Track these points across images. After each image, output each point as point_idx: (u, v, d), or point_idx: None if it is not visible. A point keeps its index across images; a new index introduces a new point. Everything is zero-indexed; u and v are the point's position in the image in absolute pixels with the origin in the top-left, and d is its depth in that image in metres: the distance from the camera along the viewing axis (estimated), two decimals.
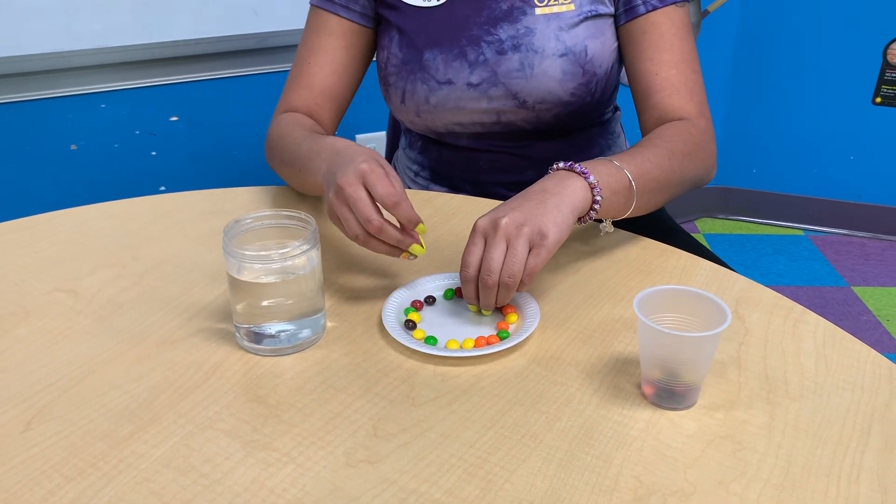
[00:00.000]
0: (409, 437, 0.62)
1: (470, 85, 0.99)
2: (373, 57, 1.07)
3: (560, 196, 0.75)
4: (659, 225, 1.12)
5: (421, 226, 0.76)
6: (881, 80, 2.29)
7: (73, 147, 1.61)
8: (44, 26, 1.49)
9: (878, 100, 2.32)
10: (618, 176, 0.80)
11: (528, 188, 0.78)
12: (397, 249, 0.76)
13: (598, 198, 0.77)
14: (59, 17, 1.50)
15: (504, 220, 0.72)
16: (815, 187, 2.48)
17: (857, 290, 2.19)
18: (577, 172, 0.78)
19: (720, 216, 2.61)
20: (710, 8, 2.30)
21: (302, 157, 0.87)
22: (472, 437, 0.62)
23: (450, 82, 0.99)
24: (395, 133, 1.38)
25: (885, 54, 2.26)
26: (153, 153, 1.70)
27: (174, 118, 1.70)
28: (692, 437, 0.62)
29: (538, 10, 0.96)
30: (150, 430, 0.63)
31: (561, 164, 0.80)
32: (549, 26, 0.96)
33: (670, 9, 0.96)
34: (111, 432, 0.62)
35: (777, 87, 2.40)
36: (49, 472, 0.59)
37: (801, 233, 2.51)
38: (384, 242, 0.75)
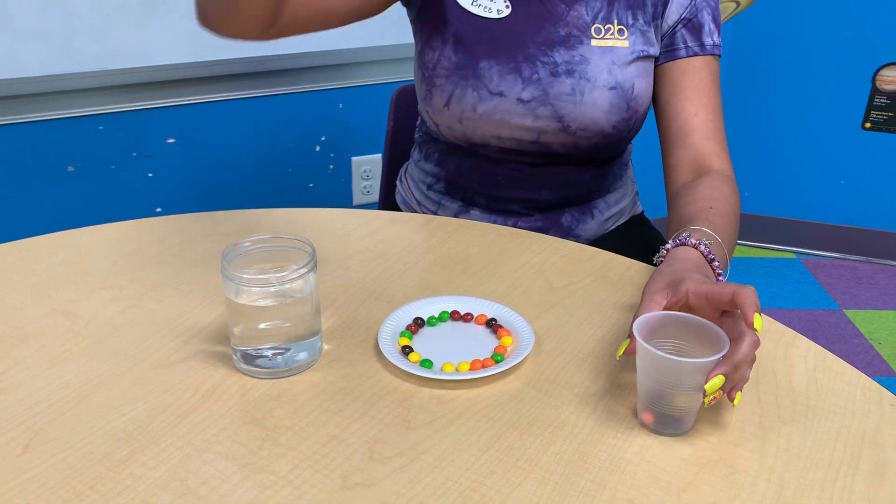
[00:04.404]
0: (405, 461, 0.63)
1: (520, 100, 1.00)
2: (377, 11, 0.99)
3: None
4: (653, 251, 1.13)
5: None
6: (870, 106, 2.33)
7: (71, 168, 1.62)
8: (44, 49, 1.50)
9: (868, 125, 2.35)
10: (724, 265, 0.81)
11: (697, 270, 0.74)
12: None
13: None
14: (59, 40, 1.51)
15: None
16: (807, 211, 2.51)
17: (848, 313, 2.20)
18: (715, 273, 0.78)
19: None
20: None
21: None
22: (467, 460, 0.63)
23: (501, 94, 1.00)
24: (394, 155, 1.39)
25: (874, 80, 2.30)
26: (150, 175, 1.71)
27: (171, 140, 1.71)
28: (686, 461, 0.63)
29: (594, 42, 0.99)
30: (147, 452, 0.63)
31: (703, 249, 0.78)
32: (603, 59, 0.98)
33: (709, 58, 0.99)
34: (109, 454, 0.63)
35: (768, 112, 2.43)
36: (46, 495, 0.59)
37: (793, 256, 2.53)
38: None
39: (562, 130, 1.01)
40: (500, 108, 1.00)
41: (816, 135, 2.41)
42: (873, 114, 2.33)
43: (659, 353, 0.63)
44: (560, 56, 0.99)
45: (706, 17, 1.00)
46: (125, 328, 0.80)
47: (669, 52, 1.00)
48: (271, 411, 0.68)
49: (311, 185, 1.91)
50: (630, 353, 0.69)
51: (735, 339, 0.64)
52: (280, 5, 0.85)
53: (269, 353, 0.72)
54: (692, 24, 0.99)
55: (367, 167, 1.97)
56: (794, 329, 0.81)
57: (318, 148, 1.88)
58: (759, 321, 0.64)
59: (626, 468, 0.62)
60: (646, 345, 0.63)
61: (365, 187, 1.99)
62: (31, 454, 0.63)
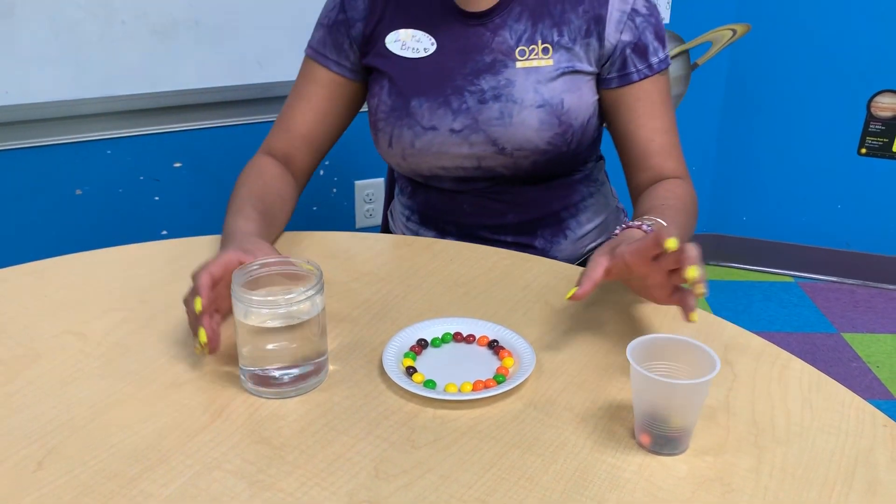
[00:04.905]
0: (409, 479, 0.64)
1: (452, 131, 1.03)
2: (357, 109, 1.13)
3: None
4: None
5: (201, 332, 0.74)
6: (866, 132, 2.36)
7: (79, 192, 1.65)
8: (54, 75, 1.53)
9: (864, 151, 2.38)
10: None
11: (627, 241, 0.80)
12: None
13: None
14: (69, 66, 1.54)
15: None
16: (805, 235, 2.53)
17: (846, 336, 2.22)
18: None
19: (711, 263, 2.65)
20: (699, 61, 2.38)
21: (225, 224, 0.93)
22: (470, 478, 0.64)
23: (434, 128, 1.03)
24: (394, 180, 1.42)
25: (869, 107, 2.33)
26: (156, 198, 1.74)
27: (178, 164, 1.74)
28: (683, 480, 0.64)
29: (519, 64, 1.02)
30: (158, 470, 0.65)
31: (645, 228, 0.85)
32: (528, 79, 1.01)
33: (657, 76, 1.04)
34: (120, 472, 0.64)
35: (765, 138, 2.46)
36: None
37: (791, 280, 2.55)
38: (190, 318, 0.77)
39: (499, 153, 1.04)
40: (436, 141, 1.04)
41: (813, 160, 2.44)
42: (869, 139, 2.36)
43: (653, 376, 0.65)
44: (486, 83, 1.02)
45: (649, 38, 1.03)
46: (136, 348, 0.82)
47: (624, 76, 1.03)
48: (279, 430, 0.70)
49: (314, 208, 1.94)
50: (577, 297, 0.75)
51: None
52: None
53: (277, 373, 0.74)
54: (638, 47, 1.02)
55: (370, 191, 2.00)
56: (792, 352, 0.82)
57: (321, 172, 1.91)
58: (673, 243, 0.70)
59: (625, 487, 0.64)
60: (640, 368, 0.65)
61: (368, 210, 2.01)
62: (45, 472, 0.64)
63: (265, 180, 1.02)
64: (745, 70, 2.39)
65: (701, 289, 0.70)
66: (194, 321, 0.76)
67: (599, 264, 0.76)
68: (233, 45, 1.67)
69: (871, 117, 2.34)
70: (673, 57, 2.32)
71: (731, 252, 2.62)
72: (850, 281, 2.52)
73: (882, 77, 2.29)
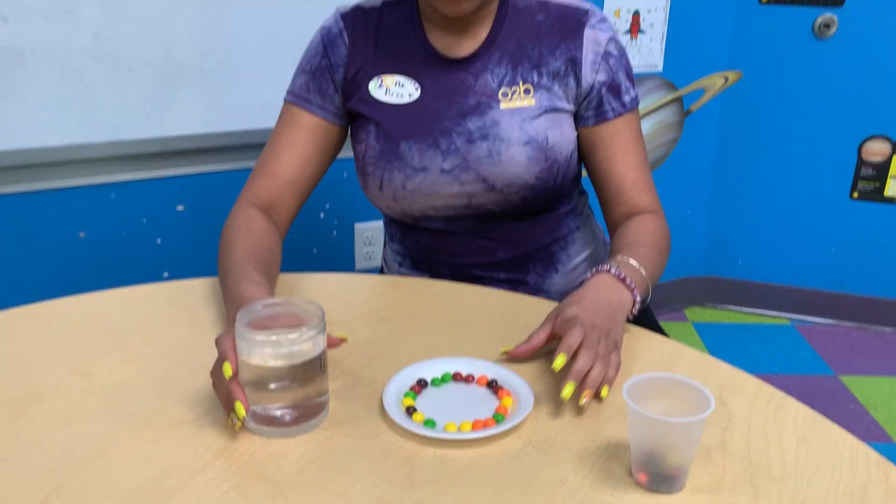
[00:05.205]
0: None
1: (443, 171, 1.06)
2: (338, 152, 1.14)
3: (621, 312, 0.90)
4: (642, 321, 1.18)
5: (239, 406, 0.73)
6: (858, 176, 2.40)
7: (82, 234, 1.67)
8: (61, 119, 1.57)
9: (856, 195, 2.42)
10: (643, 286, 0.94)
11: (593, 292, 0.89)
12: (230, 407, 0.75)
13: (635, 309, 0.92)
14: (76, 111, 1.58)
15: (591, 328, 0.83)
16: (800, 277, 2.55)
17: (844, 379, 2.22)
18: (627, 286, 0.91)
19: (709, 305, 2.66)
20: (693, 107, 2.43)
21: (225, 286, 0.93)
22: None
23: (425, 169, 1.06)
24: None
25: (860, 152, 2.38)
26: (158, 241, 1.76)
27: (180, 207, 1.76)
28: None
29: (503, 105, 1.05)
30: None
31: (612, 271, 0.92)
32: (513, 118, 1.05)
33: (629, 114, 1.08)
34: None
35: (759, 182, 2.50)
36: None
37: (787, 322, 2.56)
38: (219, 394, 0.77)
39: (489, 190, 1.07)
40: (427, 182, 1.06)
41: (807, 204, 2.47)
42: (861, 184, 2.40)
43: (649, 414, 0.66)
44: (473, 124, 1.05)
45: (621, 77, 1.07)
46: (139, 388, 0.83)
47: (599, 114, 1.07)
48: (280, 469, 0.71)
49: (314, 250, 1.96)
50: (511, 355, 0.88)
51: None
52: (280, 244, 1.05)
53: (279, 412, 0.75)
54: (612, 86, 1.07)
55: (370, 233, 2.02)
56: (790, 395, 0.83)
57: (322, 215, 1.93)
58: (559, 362, 0.79)
59: None
60: (636, 407, 0.67)
61: (367, 253, 2.03)
62: None
63: (256, 236, 1.01)
64: (737, 115, 2.44)
65: (567, 388, 0.78)
66: (225, 396, 0.75)
67: (544, 330, 0.87)
68: (236, 92, 1.71)
69: (862, 162, 2.38)
70: (667, 104, 2.38)
71: (728, 294, 2.64)
72: (847, 323, 2.54)
73: (872, 123, 2.34)
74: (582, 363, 0.79)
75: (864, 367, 2.29)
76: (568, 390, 0.77)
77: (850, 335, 2.48)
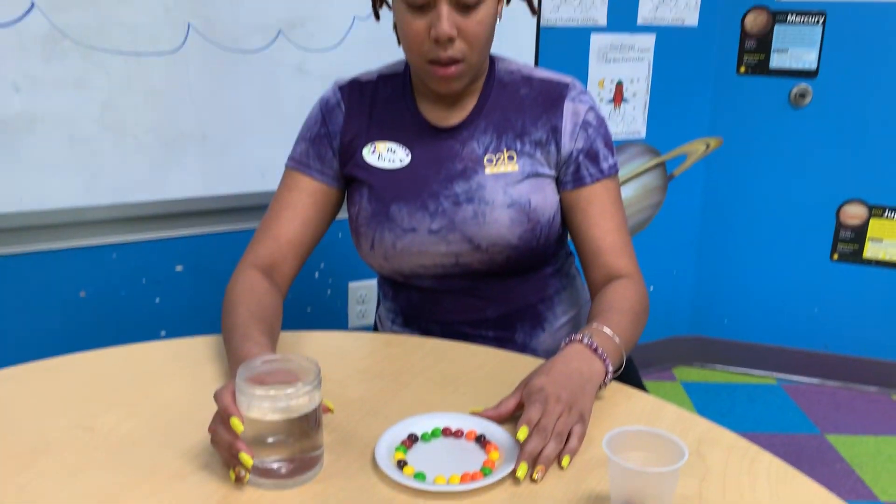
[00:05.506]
0: None
1: (431, 231, 1.12)
2: (335, 214, 1.19)
3: (591, 383, 0.92)
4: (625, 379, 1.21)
5: (244, 456, 0.77)
6: (837, 239, 2.47)
7: (83, 294, 1.71)
8: (66, 183, 1.62)
9: (836, 256, 2.49)
10: (616, 354, 0.98)
11: (564, 362, 0.92)
12: (233, 460, 0.78)
13: (608, 379, 0.96)
14: (81, 175, 1.64)
15: (554, 403, 0.86)
16: (785, 337, 2.60)
17: (830, 438, 2.25)
18: (599, 357, 0.95)
19: (696, 364, 2.70)
20: (676, 172, 2.51)
21: (230, 347, 0.97)
22: None
23: (413, 230, 1.12)
24: None
25: (838, 215, 2.46)
26: (157, 300, 1.80)
27: (179, 268, 1.81)
28: None
29: (487, 170, 1.12)
30: None
31: (584, 340, 0.96)
32: (497, 183, 1.11)
33: (607, 180, 1.14)
34: None
35: (742, 243, 2.57)
36: None
37: (774, 381, 2.60)
38: (220, 448, 0.80)
39: (474, 250, 1.12)
40: (416, 241, 1.12)
41: (789, 265, 2.54)
42: (840, 246, 2.47)
43: (627, 464, 0.70)
44: (459, 187, 1.12)
45: (600, 145, 1.14)
46: (141, 442, 0.86)
47: (577, 179, 1.13)
48: None
49: (308, 309, 2.00)
50: (483, 415, 0.90)
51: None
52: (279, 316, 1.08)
53: (276, 465, 0.79)
54: (590, 153, 1.13)
55: (363, 292, 2.07)
56: (776, 454, 0.87)
57: (316, 274, 1.98)
58: (521, 434, 0.82)
59: None
60: (615, 458, 0.71)
61: (360, 311, 2.08)
62: None
63: (259, 297, 1.05)
64: (720, 180, 2.53)
65: (521, 469, 0.80)
66: (227, 449, 0.78)
67: (513, 398, 0.91)
68: (236, 157, 1.78)
69: (840, 225, 2.46)
70: (650, 168, 2.46)
71: (715, 354, 2.68)
72: (832, 382, 2.57)
73: (848, 187, 2.43)
74: (532, 445, 0.81)
75: (849, 426, 2.32)
76: (521, 471, 0.80)
77: (835, 394, 2.51)
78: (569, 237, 1.22)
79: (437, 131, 1.14)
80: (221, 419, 0.79)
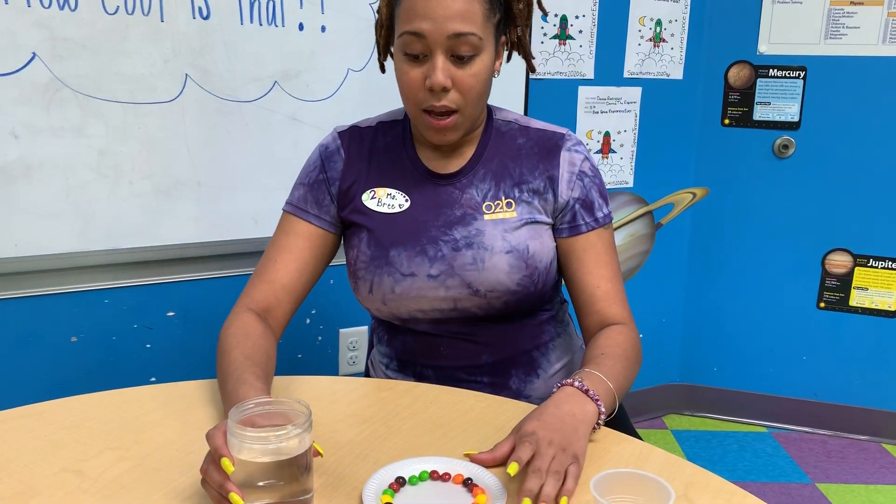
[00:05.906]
0: None
1: (430, 276, 1.13)
2: (331, 258, 1.21)
3: (584, 424, 0.94)
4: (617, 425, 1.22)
5: (235, 497, 0.77)
6: (823, 287, 2.50)
7: (74, 339, 1.71)
8: (61, 228, 1.64)
9: (822, 305, 2.52)
10: (609, 397, 1.00)
11: (556, 406, 0.94)
12: (223, 502, 0.78)
13: (601, 421, 0.98)
14: (77, 221, 1.65)
15: (545, 446, 0.87)
16: (775, 386, 2.61)
17: (821, 486, 2.24)
18: (591, 398, 0.97)
19: (686, 412, 2.70)
20: (663, 221, 2.56)
21: (224, 391, 0.98)
22: None
23: (413, 274, 1.13)
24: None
25: (823, 264, 2.49)
26: (148, 346, 1.80)
27: (171, 313, 1.81)
28: None
29: (486, 217, 1.14)
30: None
31: (576, 384, 0.98)
32: (496, 229, 1.13)
33: (602, 229, 1.17)
34: None
35: (730, 292, 2.59)
36: None
37: (764, 430, 2.60)
38: (211, 490, 0.80)
39: (473, 295, 1.14)
40: (415, 286, 1.14)
41: (776, 314, 2.56)
42: (826, 294, 2.50)
43: None
44: (458, 233, 1.14)
45: (594, 195, 1.17)
46: (131, 485, 0.86)
47: (573, 227, 1.16)
48: None
49: (299, 355, 2.00)
50: (474, 460, 0.91)
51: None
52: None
53: None
54: (585, 203, 1.16)
55: (354, 338, 2.07)
56: (769, 502, 0.88)
57: (308, 321, 1.99)
58: (511, 469, 0.84)
59: None
60: (602, 500, 0.72)
61: (351, 358, 2.08)
62: None
63: (254, 341, 1.06)
64: (706, 229, 2.57)
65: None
66: (217, 492, 0.78)
67: (507, 443, 0.92)
68: (231, 203, 1.81)
69: (826, 274, 2.49)
70: (638, 217, 2.50)
71: (705, 402, 2.68)
72: (822, 431, 2.58)
73: (833, 236, 2.47)
74: (530, 484, 0.82)
75: (840, 474, 2.32)
76: (510, 470, 0.83)
77: (825, 443, 2.51)
78: (563, 284, 1.24)
79: (436, 178, 1.17)
80: (213, 459, 0.80)
